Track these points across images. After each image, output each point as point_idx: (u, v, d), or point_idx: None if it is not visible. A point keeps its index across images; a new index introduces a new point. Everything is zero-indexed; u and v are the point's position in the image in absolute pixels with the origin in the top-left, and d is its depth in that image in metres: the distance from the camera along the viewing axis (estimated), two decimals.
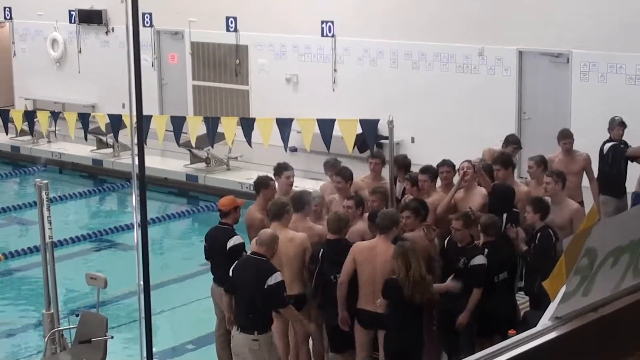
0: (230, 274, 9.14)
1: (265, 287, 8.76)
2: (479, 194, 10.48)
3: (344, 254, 9.27)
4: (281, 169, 11.02)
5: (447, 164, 11.18)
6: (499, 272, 9.49)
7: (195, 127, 14.65)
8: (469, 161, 10.70)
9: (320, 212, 10.27)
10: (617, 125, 12.95)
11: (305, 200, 9.99)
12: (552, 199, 10.32)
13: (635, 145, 12.97)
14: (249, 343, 8.95)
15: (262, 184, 10.59)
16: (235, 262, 9.28)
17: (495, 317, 9.38)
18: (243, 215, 10.40)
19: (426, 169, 10.86)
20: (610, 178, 12.81)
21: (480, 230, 9.62)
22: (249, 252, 9.37)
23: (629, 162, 12.93)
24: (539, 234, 9.72)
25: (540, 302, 9.36)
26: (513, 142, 12.51)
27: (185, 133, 15.09)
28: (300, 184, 14.00)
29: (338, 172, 11.05)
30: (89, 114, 16.90)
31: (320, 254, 9.41)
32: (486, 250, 9.46)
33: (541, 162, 11.16)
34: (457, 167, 10.93)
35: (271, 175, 11.04)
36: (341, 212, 9.72)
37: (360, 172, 12.08)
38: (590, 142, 13.52)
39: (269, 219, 9.75)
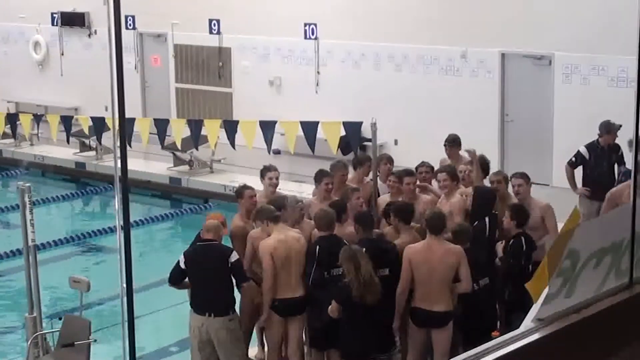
0: (184, 265, 9.42)
1: (229, 265, 9.24)
2: (458, 199, 10.48)
3: (336, 249, 9.31)
4: (265, 170, 11.02)
5: (425, 164, 11.26)
6: (478, 278, 9.49)
7: (179, 130, 14.66)
8: (446, 172, 10.68)
9: (302, 217, 10.25)
10: (613, 132, 12.85)
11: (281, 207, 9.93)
12: (525, 203, 10.38)
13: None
14: (226, 324, 9.35)
15: (238, 194, 10.62)
16: (189, 254, 9.48)
17: (480, 324, 9.38)
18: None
19: (411, 172, 10.88)
20: (594, 181, 12.85)
21: (452, 237, 9.65)
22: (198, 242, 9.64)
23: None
24: (511, 241, 9.75)
25: (512, 311, 9.40)
26: (448, 139, 12.41)
27: (169, 136, 15.09)
28: (284, 186, 13.99)
29: (328, 174, 11.00)
30: (72, 117, 16.90)
31: (317, 251, 9.43)
32: None
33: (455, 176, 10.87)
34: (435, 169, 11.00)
35: (252, 179, 11.04)
36: (328, 209, 9.77)
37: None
38: (572, 144, 13.58)
39: (264, 225, 9.69)
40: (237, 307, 9.77)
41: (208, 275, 9.33)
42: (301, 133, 12.73)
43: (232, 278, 9.40)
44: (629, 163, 13.06)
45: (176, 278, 9.63)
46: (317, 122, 12.54)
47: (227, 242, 10.23)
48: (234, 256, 9.35)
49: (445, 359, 9.24)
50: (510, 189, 10.87)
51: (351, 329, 9.08)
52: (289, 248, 9.38)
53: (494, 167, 12.85)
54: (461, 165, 11.41)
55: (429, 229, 9.19)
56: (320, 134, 12.52)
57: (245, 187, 10.69)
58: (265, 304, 9.49)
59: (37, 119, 16.64)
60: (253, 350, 10.62)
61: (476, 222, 10.01)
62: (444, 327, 9.19)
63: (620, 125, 12.82)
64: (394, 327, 9.30)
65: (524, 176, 10.61)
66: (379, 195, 11.20)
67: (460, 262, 9.08)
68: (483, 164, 11.13)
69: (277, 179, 11.01)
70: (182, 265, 9.46)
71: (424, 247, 9.15)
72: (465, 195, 10.54)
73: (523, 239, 9.68)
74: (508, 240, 9.83)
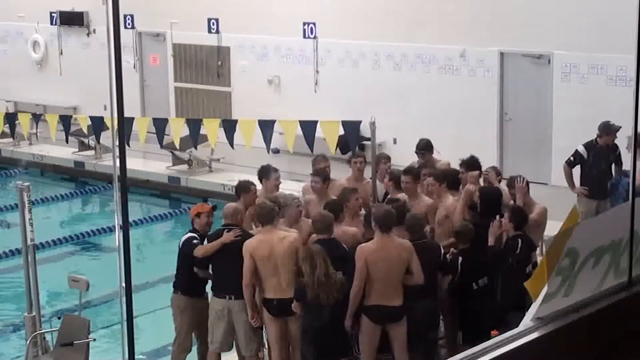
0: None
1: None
2: (452, 201, 10.43)
3: (335, 253, 9.27)
4: (269, 171, 10.98)
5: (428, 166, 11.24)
6: (477, 278, 9.49)
7: (178, 129, 14.65)
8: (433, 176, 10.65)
9: (299, 215, 10.23)
10: (612, 133, 12.77)
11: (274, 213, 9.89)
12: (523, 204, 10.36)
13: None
14: (244, 307, 9.55)
15: (242, 188, 10.55)
16: (212, 239, 9.69)
17: (478, 323, 9.36)
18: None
19: (409, 170, 10.87)
20: (592, 181, 12.84)
21: (454, 237, 9.61)
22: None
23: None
24: (506, 243, 9.71)
25: (505, 312, 9.35)
26: (420, 146, 12.13)
27: (168, 135, 15.09)
28: (284, 185, 13.98)
29: (316, 171, 11.02)
30: (71, 116, 16.89)
31: None
32: (460, 258, 9.50)
33: (417, 178, 10.75)
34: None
35: (251, 178, 11.01)
36: (325, 212, 9.74)
37: (342, 174, 12.08)
38: (571, 143, 13.56)
39: (259, 224, 9.69)
40: None
41: (229, 259, 9.49)
42: (300, 132, 12.73)
43: None
44: (627, 162, 13.08)
45: (201, 261, 9.80)
46: (316, 121, 12.54)
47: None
48: None
49: (404, 351, 9.28)
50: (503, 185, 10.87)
51: (311, 329, 9.09)
52: (272, 249, 9.34)
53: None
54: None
55: (380, 227, 9.12)
56: (319, 133, 12.52)
57: (250, 182, 10.68)
58: (247, 302, 9.52)
59: (36, 118, 16.63)
60: None
61: (485, 223, 9.98)
62: (401, 321, 9.19)
63: (620, 127, 12.77)
64: (345, 326, 9.20)
65: (519, 179, 10.52)
66: (386, 194, 11.10)
67: (412, 256, 9.07)
68: (473, 162, 11.03)
69: (279, 179, 11.08)
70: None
71: (378, 245, 9.10)
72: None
73: (520, 240, 9.60)
74: (499, 240, 9.77)
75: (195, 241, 9.84)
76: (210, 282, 10.05)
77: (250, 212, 10.31)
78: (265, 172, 10.99)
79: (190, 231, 10.08)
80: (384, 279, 9.01)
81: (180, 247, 10.07)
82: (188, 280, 9.93)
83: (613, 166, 12.94)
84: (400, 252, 9.07)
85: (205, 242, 9.79)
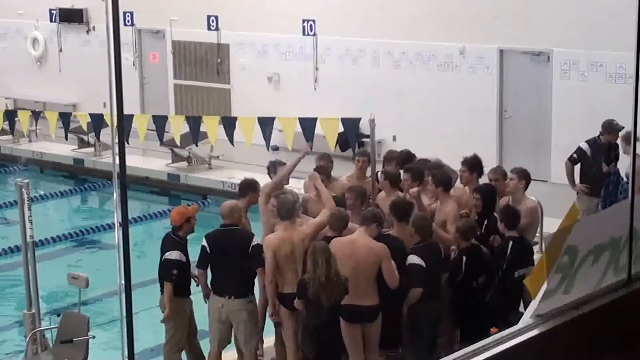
0: (209, 249, 9.65)
1: (250, 250, 9.51)
2: (452, 207, 10.40)
3: None
4: (279, 164, 11.01)
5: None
6: (477, 276, 9.48)
7: (178, 126, 14.64)
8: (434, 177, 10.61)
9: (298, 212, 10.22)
10: (614, 132, 12.74)
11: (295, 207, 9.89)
12: (512, 198, 10.34)
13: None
14: (245, 306, 9.62)
15: (249, 186, 10.49)
16: (211, 238, 9.67)
17: (476, 322, 9.35)
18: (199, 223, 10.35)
19: (409, 168, 10.84)
20: (593, 178, 12.83)
21: (459, 235, 9.60)
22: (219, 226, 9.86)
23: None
24: (498, 246, 9.69)
25: (503, 312, 9.34)
26: (402, 158, 11.69)
27: (167, 132, 15.09)
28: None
29: (318, 169, 11.00)
30: (70, 113, 16.85)
31: None
32: (464, 257, 9.47)
33: (416, 176, 10.61)
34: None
35: (251, 176, 11.01)
36: (343, 210, 9.71)
37: (341, 171, 12.07)
38: (570, 140, 13.56)
39: (279, 219, 9.66)
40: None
41: (229, 259, 9.52)
42: (299, 129, 12.72)
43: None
44: (628, 161, 13.07)
45: (204, 262, 9.79)
46: (316, 119, 12.52)
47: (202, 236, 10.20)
48: (255, 241, 9.59)
49: (376, 352, 9.27)
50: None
51: (311, 327, 9.06)
52: (292, 246, 9.38)
53: (492, 164, 12.86)
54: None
55: (362, 220, 9.17)
56: (319, 130, 12.51)
57: (255, 180, 10.66)
58: (269, 298, 9.57)
59: (36, 115, 16.62)
60: (270, 340, 10.52)
61: (486, 221, 9.96)
62: (374, 321, 9.16)
63: (622, 127, 12.74)
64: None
65: (519, 172, 10.53)
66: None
67: (382, 260, 8.98)
68: (476, 163, 10.97)
69: None
70: (208, 250, 9.66)
71: (346, 241, 9.08)
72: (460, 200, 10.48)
73: (511, 243, 9.51)
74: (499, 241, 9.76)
75: (174, 271, 9.76)
76: (194, 281, 10.10)
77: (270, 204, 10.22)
78: (274, 167, 11.01)
79: (173, 238, 9.95)
80: (352, 277, 8.93)
81: (162, 262, 9.98)
82: (178, 283, 9.93)
83: (612, 164, 12.94)
84: (369, 253, 8.98)
85: (204, 241, 9.71)
